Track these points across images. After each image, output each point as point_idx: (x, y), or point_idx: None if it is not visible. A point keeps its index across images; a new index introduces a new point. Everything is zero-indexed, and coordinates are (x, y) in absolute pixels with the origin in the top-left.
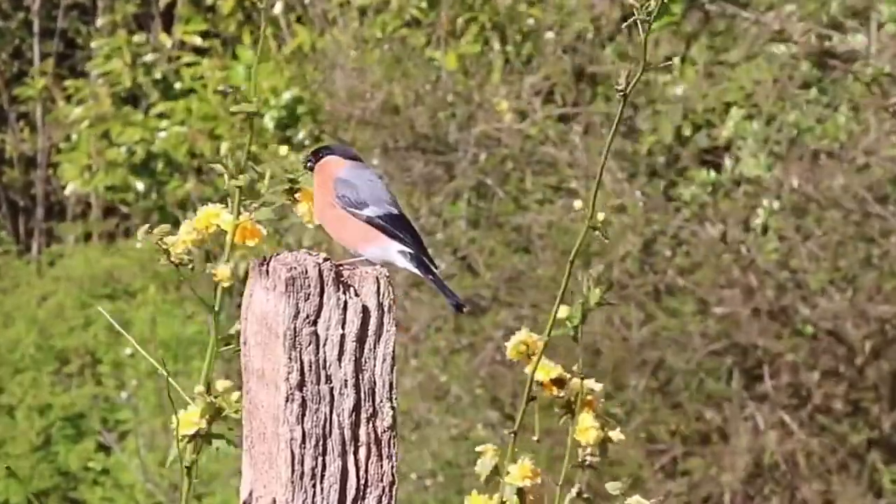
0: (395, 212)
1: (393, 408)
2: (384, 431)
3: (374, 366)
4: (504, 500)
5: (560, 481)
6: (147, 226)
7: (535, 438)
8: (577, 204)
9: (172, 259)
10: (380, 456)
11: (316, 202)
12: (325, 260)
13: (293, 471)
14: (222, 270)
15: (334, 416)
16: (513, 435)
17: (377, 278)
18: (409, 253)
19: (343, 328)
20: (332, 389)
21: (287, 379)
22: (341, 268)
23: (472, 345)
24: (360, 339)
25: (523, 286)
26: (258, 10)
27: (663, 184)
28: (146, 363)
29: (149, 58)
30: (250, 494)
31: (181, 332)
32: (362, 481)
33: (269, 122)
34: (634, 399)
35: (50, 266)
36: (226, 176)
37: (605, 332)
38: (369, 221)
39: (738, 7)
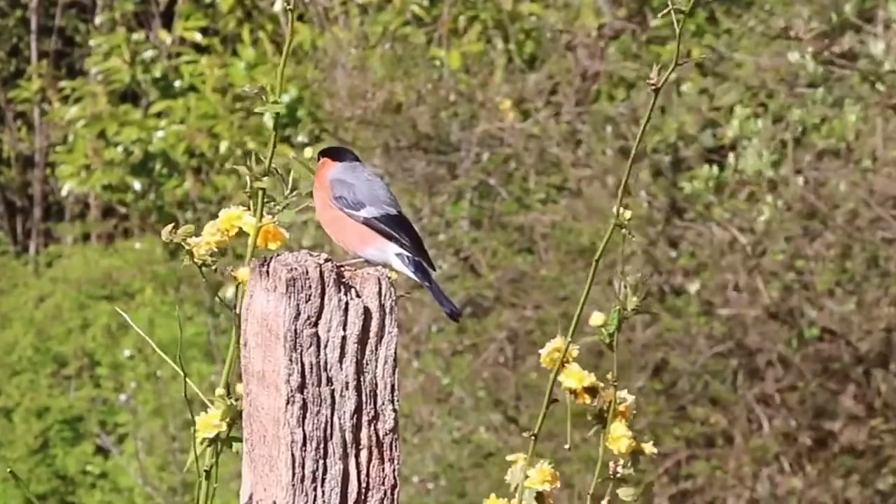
0: (394, 212)
1: (395, 410)
2: (386, 434)
3: (376, 368)
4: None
5: (590, 490)
6: (171, 225)
7: (566, 446)
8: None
9: (196, 260)
10: (381, 459)
11: (315, 204)
12: (327, 261)
13: (294, 474)
14: (243, 272)
15: (335, 418)
16: (533, 438)
17: (379, 279)
18: (407, 256)
19: (344, 330)
20: (333, 392)
21: (288, 381)
22: (342, 269)
23: (475, 346)
24: (362, 341)
25: (526, 287)
26: (258, 8)
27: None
28: (144, 365)
29: (148, 55)
30: (250, 498)
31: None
32: (364, 484)
33: (269, 121)
34: (638, 401)
35: (48, 267)
36: (248, 178)
37: None
38: (366, 223)
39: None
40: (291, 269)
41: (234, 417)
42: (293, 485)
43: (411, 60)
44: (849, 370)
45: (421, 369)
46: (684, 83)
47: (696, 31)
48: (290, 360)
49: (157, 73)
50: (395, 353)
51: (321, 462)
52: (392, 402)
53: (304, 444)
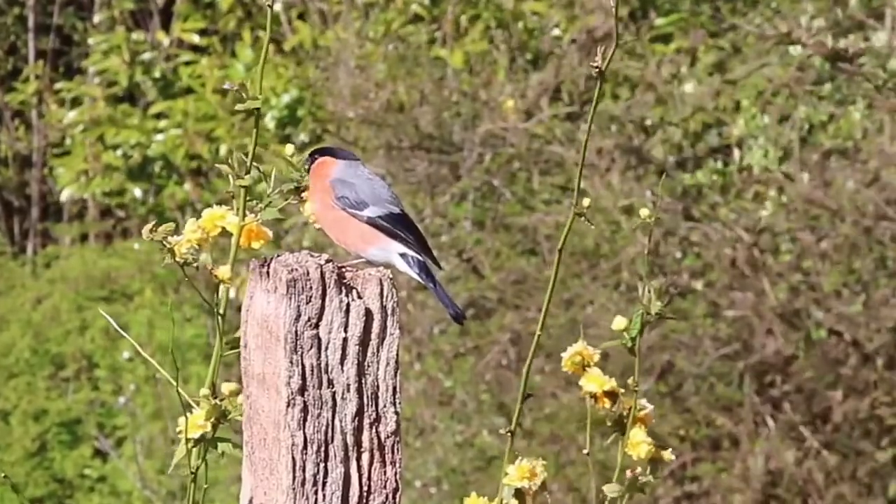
0: (397, 211)
1: (397, 413)
2: (388, 437)
3: (378, 370)
4: (503, 501)
5: (606, 500)
6: (151, 224)
7: (584, 451)
8: (586, 202)
9: (177, 258)
10: (383, 462)
11: (314, 205)
12: (328, 261)
13: (294, 477)
14: (223, 270)
15: (336, 421)
16: (510, 434)
17: (380, 280)
18: (412, 256)
19: (345, 331)
20: (334, 394)
21: (288, 383)
22: (344, 269)
23: (478, 348)
24: (363, 343)
25: (530, 288)
26: (258, 7)
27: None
28: (143, 368)
29: (146, 56)
30: (251, 502)
31: (179, 335)
32: (365, 488)
33: (269, 121)
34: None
35: (45, 268)
36: (230, 176)
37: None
38: (370, 222)
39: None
40: (292, 270)
41: (219, 417)
42: (294, 488)
43: (414, 60)
44: (856, 372)
45: (423, 372)
46: (687, 82)
47: (700, 26)
48: (291, 362)
49: (157, 74)
50: (397, 355)
51: (322, 465)
52: (394, 404)
53: (305, 447)
